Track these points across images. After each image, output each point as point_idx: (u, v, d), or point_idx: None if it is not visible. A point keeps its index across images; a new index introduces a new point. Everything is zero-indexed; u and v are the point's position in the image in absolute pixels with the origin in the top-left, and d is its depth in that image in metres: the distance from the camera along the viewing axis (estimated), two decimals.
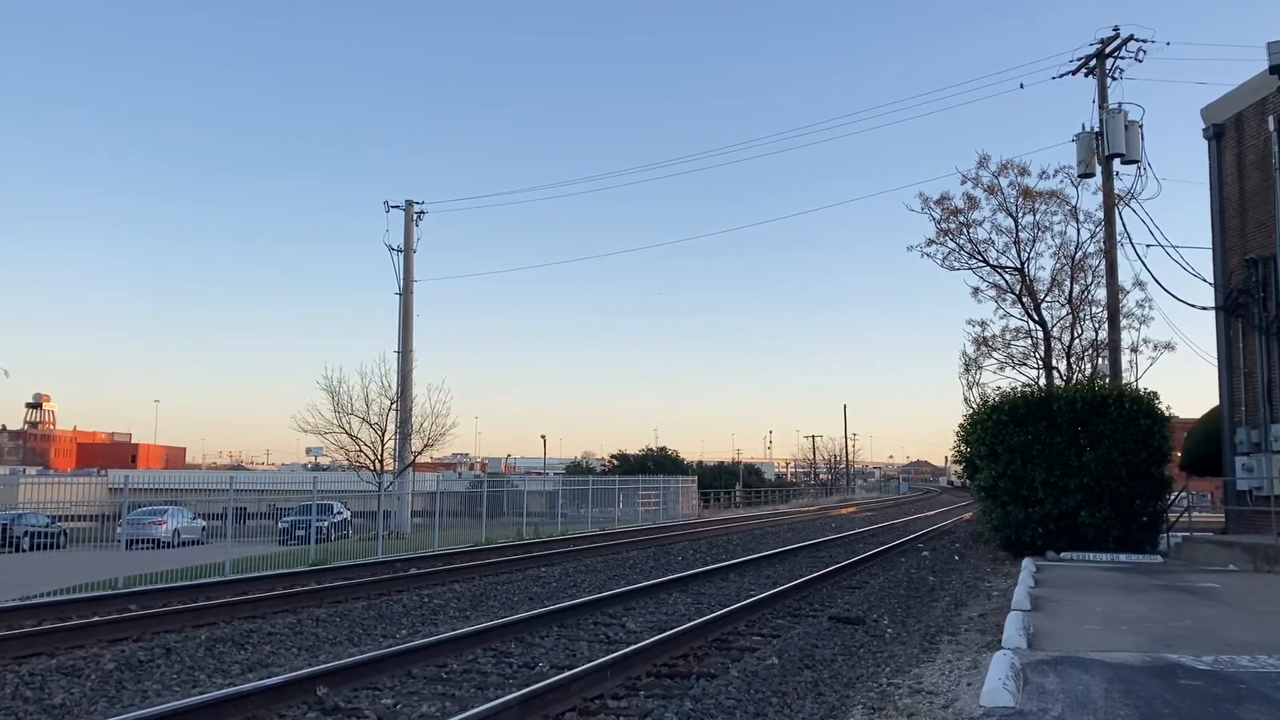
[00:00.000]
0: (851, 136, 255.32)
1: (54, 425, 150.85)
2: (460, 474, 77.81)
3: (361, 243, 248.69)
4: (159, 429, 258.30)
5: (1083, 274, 40.83)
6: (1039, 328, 41.66)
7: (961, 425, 25.68)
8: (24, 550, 24.45)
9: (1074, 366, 40.35)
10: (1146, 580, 16.01)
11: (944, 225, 41.33)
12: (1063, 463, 21.45)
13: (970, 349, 44.22)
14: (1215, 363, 23.46)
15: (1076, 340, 41.30)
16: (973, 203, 40.91)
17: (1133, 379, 33.93)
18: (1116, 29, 27.35)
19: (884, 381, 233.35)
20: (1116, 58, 27.52)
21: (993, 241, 41.40)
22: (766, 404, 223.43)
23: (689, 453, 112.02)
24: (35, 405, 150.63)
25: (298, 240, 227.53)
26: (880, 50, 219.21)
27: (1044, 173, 40.30)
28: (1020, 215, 40.71)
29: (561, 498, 41.61)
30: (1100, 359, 36.95)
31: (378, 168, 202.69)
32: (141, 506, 29.58)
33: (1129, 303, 38.26)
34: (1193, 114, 25.52)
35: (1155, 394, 22.48)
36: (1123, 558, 20.02)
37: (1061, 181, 39.87)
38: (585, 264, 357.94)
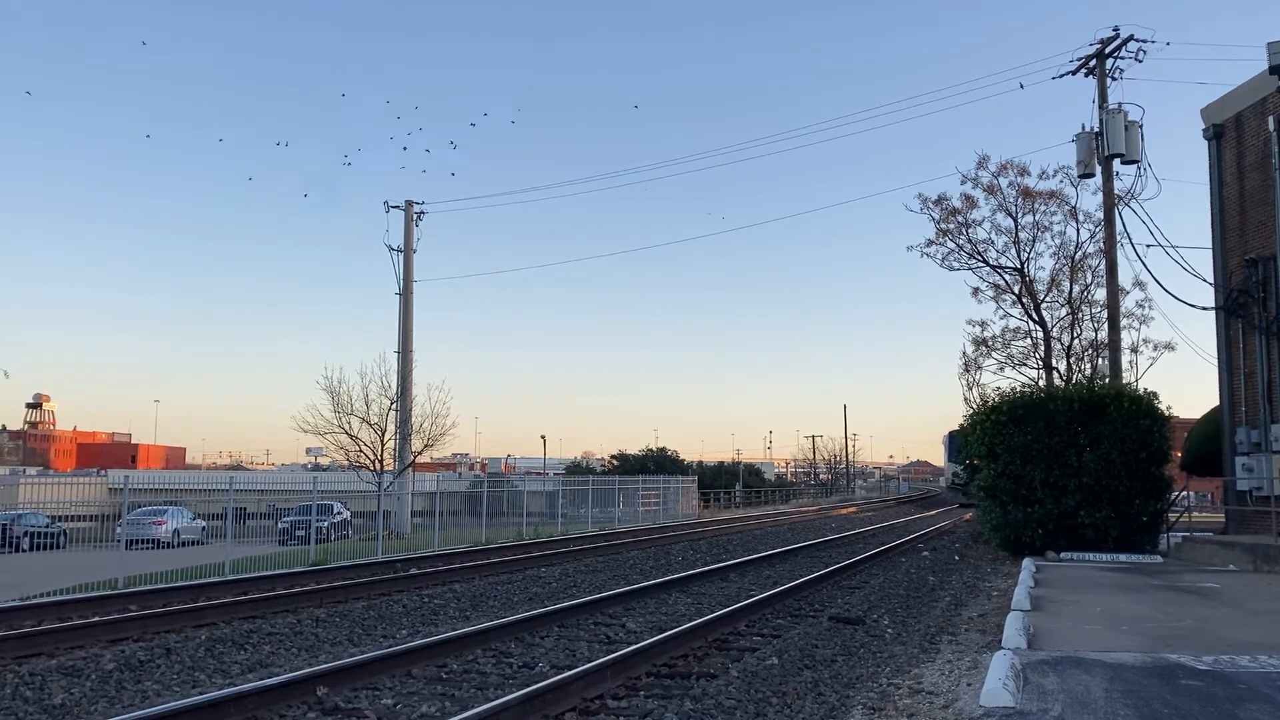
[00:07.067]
0: (851, 136, 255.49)
1: (54, 425, 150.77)
2: (460, 474, 77.74)
3: (362, 243, 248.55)
4: (159, 429, 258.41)
5: (1082, 274, 40.91)
6: (1039, 328, 41.71)
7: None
8: (24, 550, 24.45)
9: (1074, 366, 40.40)
10: (1146, 580, 16.01)
11: (943, 226, 41.42)
12: (1062, 463, 21.45)
13: (970, 349, 44.34)
14: (1215, 363, 23.46)
15: (1076, 340, 41.37)
16: (970, 202, 40.97)
17: (1133, 379, 34.01)
18: (1116, 29, 27.38)
19: (884, 382, 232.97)
20: (1116, 58, 27.52)
21: (992, 242, 41.50)
22: (766, 404, 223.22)
23: (689, 453, 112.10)
24: (35, 405, 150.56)
25: (298, 240, 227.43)
26: (880, 50, 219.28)
27: (1044, 173, 40.39)
28: (1020, 215, 40.80)
29: (561, 498, 41.59)
30: (1100, 359, 37.00)
31: (378, 168, 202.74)
32: (141, 507, 29.59)
33: (1129, 303, 38.33)
34: (1193, 114, 25.50)
35: (1155, 394, 22.51)
36: (1123, 558, 20.02)
37: (1061, 181, 39.95)
38: (585, 264, 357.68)
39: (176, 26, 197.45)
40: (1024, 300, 41.55)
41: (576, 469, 79.40)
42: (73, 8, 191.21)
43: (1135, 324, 39.34)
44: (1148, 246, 26.10)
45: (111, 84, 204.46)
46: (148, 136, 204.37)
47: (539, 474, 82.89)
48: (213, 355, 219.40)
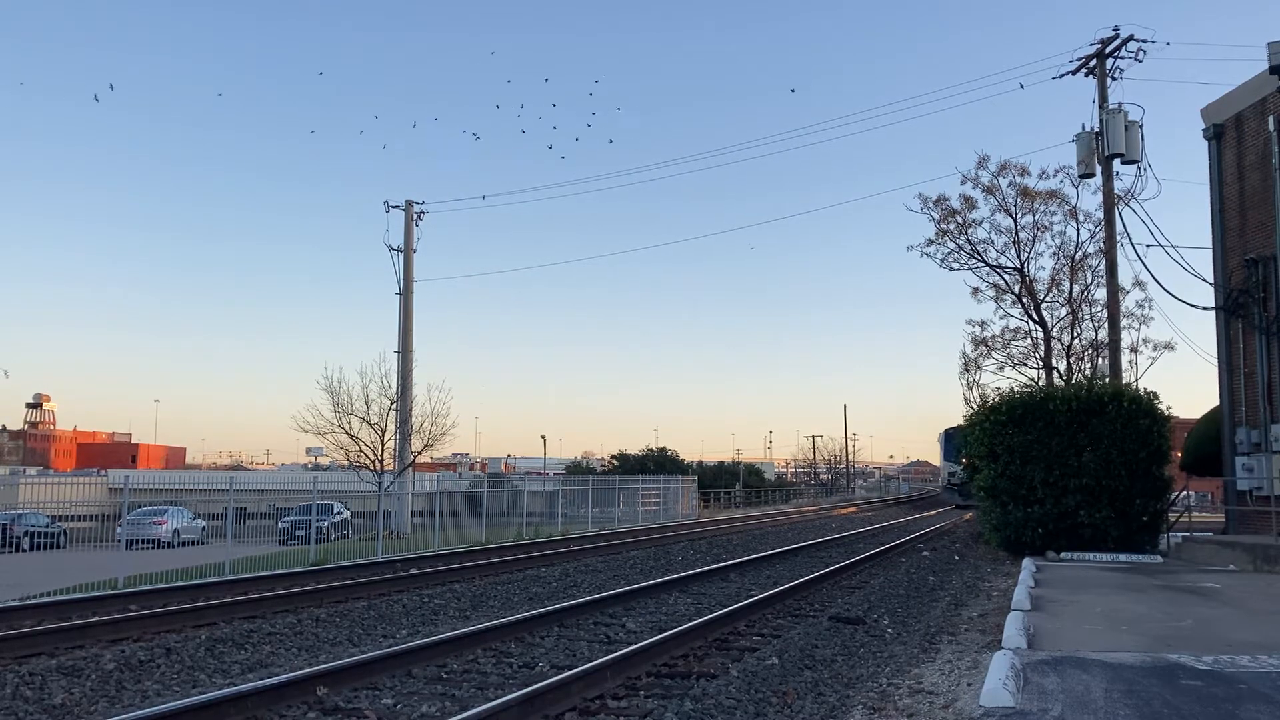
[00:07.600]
0: (851, 136, 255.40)
1: (54, 425, 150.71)
2: (460, 474, 77.82)
3: (362, 243, 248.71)
4: (159, 429, 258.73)
5: (1082, 274, 41.01)
6: (1039, 328, 41.78)
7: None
8: (24, 550, 24.44)
9: (1074, 366, 40.47)
10: (1146, 580, 16.01)
11: (943, 226, 41.51)
12: (1062, 463, 21.45)
13: (970, 349, 44.47)
14: (1215, 363, 23.46)
15: (1076, 340, 41.46)
16: (970, 203, 41.06)
17: (1133, 379, 34.05)
18: (1116, 29, 27.37)
19: (884, 381, 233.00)
20: (1116, 58, 27.52)
21: (992, 242, 41.62)
22: (766, 404, 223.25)
23: (689, 453, 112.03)
24: (35, 405, 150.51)
25: (298, 240, 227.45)
26: (880, 50, 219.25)
27: (1044, 173, 40.53)
28: (1019, 215, 40.90)
29: (561, 498, 41.59)
30: (1100, 359, 37.06)
31: (378, 168, 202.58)
32: (141, 506, 29.58)
33: (1129, 303, 38.42)
34: (1193, 114, 25.51)
35: (1155, 394, 22.51)
36: (1123, 558, 20.02)
37: (1061, 181, 40.07)
38: (585, 264, 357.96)
39: (177, 24, 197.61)
40: (1024, 300, 41.62)
41: (576, 469, 79.40)
42: (73, 5, 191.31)
43: (1135, 324, 39.45)
44: (1148, 246, 26.12)
45: (110, 82, 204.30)
46: (241, 106, 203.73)
47: (539, 474, 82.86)
48: (213, 355, 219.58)
